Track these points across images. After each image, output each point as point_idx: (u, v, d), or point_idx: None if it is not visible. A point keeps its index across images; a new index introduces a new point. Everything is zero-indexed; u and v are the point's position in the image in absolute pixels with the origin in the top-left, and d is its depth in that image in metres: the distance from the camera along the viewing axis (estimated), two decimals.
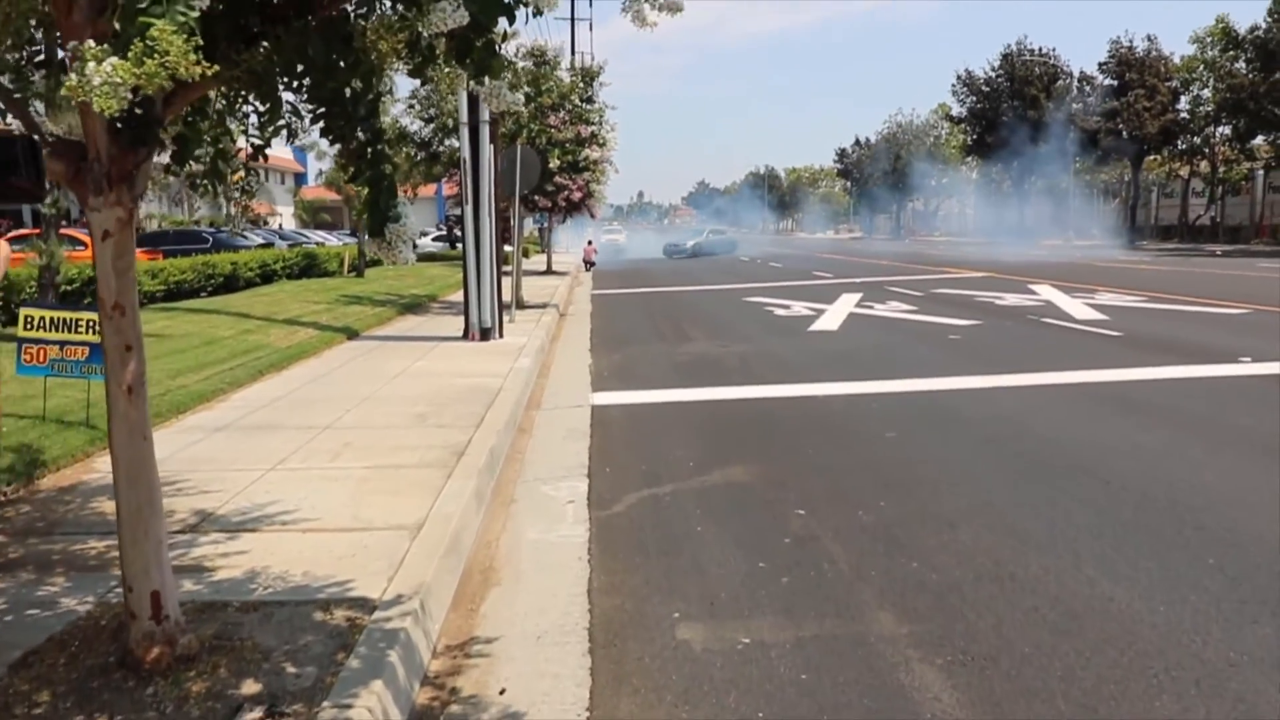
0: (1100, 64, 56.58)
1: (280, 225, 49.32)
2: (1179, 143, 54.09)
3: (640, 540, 5.21)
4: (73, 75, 2.26)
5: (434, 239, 41.85)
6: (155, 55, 2.20)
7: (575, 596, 4.44)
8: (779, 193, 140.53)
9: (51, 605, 3.98)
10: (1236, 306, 16.04)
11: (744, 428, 7.99)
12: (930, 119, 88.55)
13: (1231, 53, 45.51)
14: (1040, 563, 4.64)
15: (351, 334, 13.46)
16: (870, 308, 17.65)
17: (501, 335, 13.13)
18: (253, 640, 3.59)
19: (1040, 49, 64.61)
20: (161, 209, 50.18)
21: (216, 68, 2.44)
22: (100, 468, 6.09)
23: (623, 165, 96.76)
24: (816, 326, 14.95)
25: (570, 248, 52.22)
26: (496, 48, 3.32)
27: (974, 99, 68.22)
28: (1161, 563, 4.59)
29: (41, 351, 6.78)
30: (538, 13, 3.34)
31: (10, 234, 22.27)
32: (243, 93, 3.76)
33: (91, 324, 6.69)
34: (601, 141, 18.46)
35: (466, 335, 13.01)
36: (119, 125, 3.01)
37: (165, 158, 3.91)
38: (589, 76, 18.72)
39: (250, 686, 3.23)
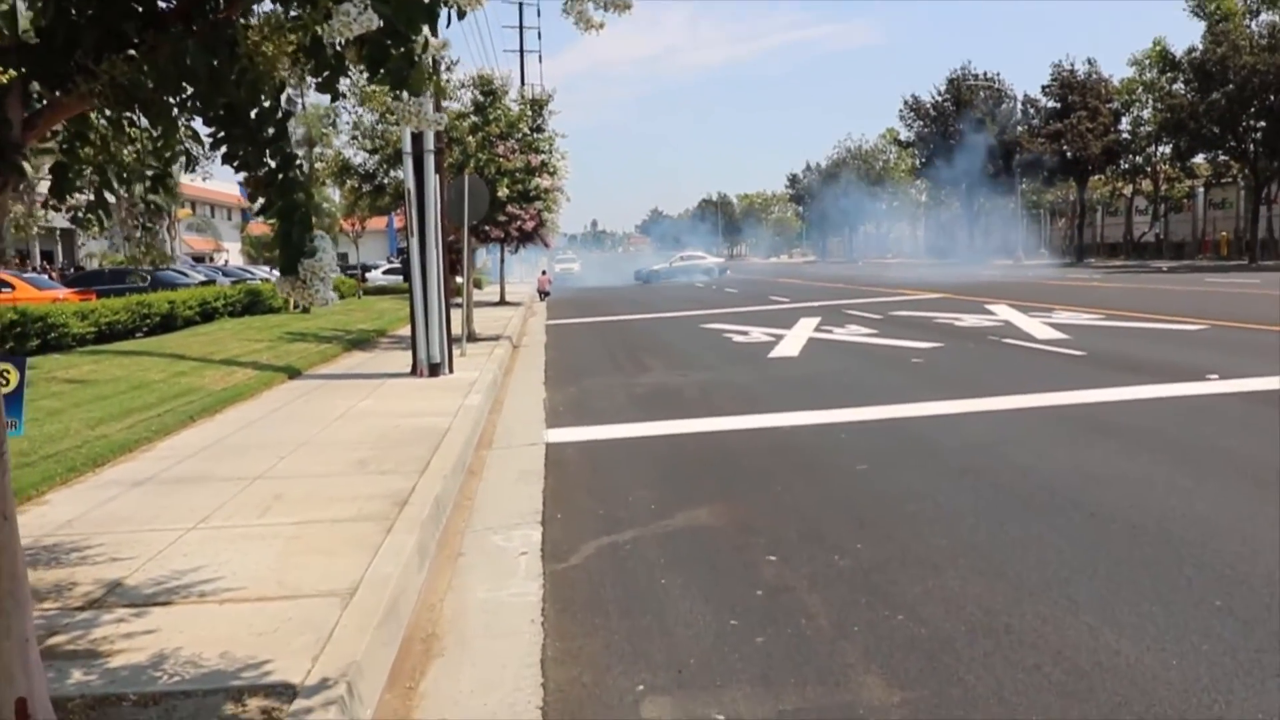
0: (1043, 87, 57.70)
1: (226, 262, 48.26)
2: (1122, 162, 55.15)
3: (599, 597, 4.74)
4: None
5: (384, 272, 41.13)
6: None
7: (527, 667, 3.97)
8: (731, 219, 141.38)
9: None
10: (1192, 322, 16.02)
11: (707, 463, 7.57)
12: (879, 144, 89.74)
13: (1169, 74, 46.53)
14: (1036, 610, 4.25)
15: (293, 373, 12.85)
16: (830, 332, 17.40)
17: (451, 370, 12.61)
18: None
19: (985, 73, 65.80)
20: (100, 247, 48.90)
21: None
22: None
23: (576, 195, 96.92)
24: (777, 353, 14.63)
25: (525, 278, 51.78)
26: (416, 58, 2.88)
27: (921, 123, 69.20)
28: (1165, 606, 4.23)
29: None
30: (461, 15, 2.93)
31: None
32: (128, 114, 3.29)
33: None
34: (552, 170, 18.07)
35: (415, 371, 12.48)
36: None
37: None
38: (537, 105, 18.36)
39: None
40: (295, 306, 24.43)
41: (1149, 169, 55.53)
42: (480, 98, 17.62)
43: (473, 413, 9.50)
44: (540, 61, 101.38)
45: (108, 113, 3.28)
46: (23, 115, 2.84)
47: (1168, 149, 50.23)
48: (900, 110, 72.18)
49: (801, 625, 4.24)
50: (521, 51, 48.82)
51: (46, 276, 30.78)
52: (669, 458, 7.88)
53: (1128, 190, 59.54)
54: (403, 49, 2.82)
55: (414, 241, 12.25)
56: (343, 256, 55.83)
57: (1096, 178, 58.70)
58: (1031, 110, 59.33)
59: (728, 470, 7.29)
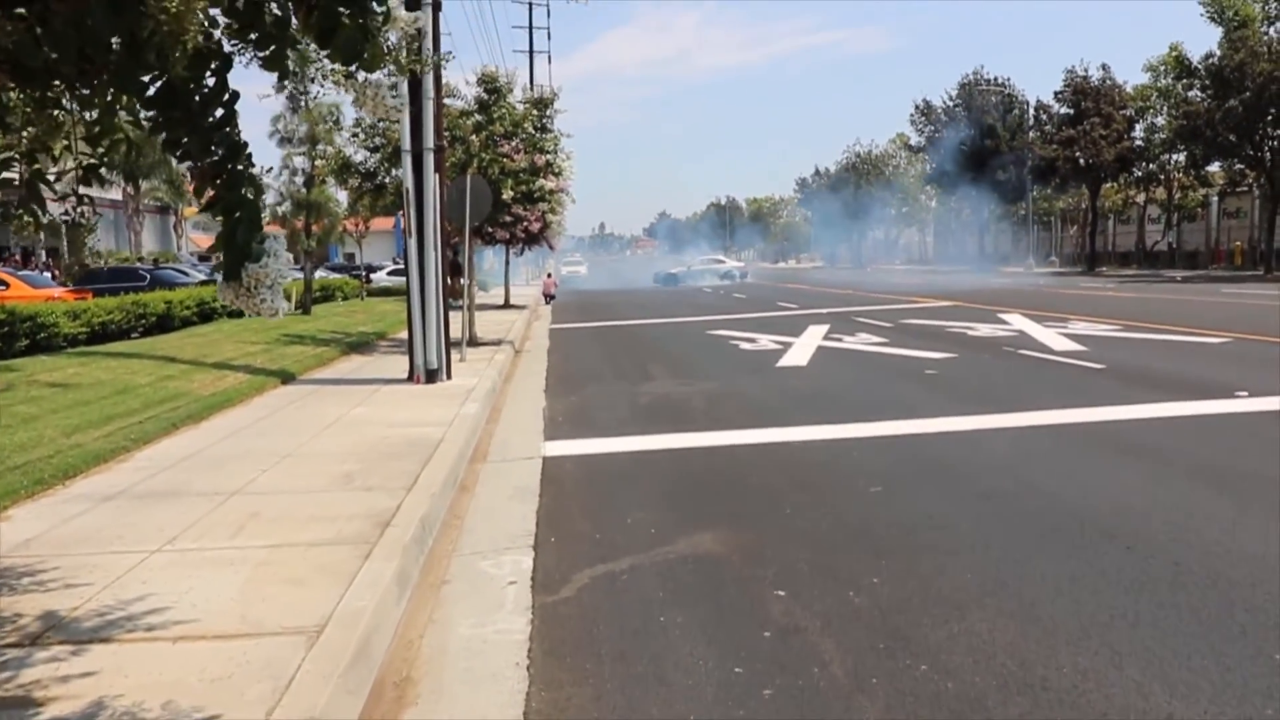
0: (1056, 93, 57.07)
1: None
2: (1135, 169, 54.52)
3: (591, 636, 4.33)
4: None
5: (389, 273, 40.76)
6: None
7: None
8: (740, 223, 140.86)
9: None
10: (1214, 335, 15.54)
11: (712, 482, 7.14)
12: (889, 149, 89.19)
13: (1185, 81, 45.92)
14: (1075, 663, 3.83)
15: (287, 378, 12.46)
16: (839, 340, 16.96)
17: (449, 377, 12.21)
18: None
19: (996, 78, 65.23)
20: (109, 243, 48.68)
21: None
22: None
23: (584, 197, 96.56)
24: (785, 362, 14.20)
25: (531, 280, 51.41)
26: (375, 32, 2.48)
27: (932, 128, 68.68)
28: (1219, 660, 3.80)
29: None
30: None
31: None
32: (48, 92, 2.89)
33: None
34: (557, 171, 17.66)
35: (411, 378, 12.08)
36: None
37: None
38: (543, 104, 17.95)
39: None
40: (308, 304, 24.07)
41: (1163, 177, 54.87)
42: (484, 95, 17.22)
43: (468, 423, 9.10)
44: (550, 63, 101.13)
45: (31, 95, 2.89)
46: None
47: (1182, 156, 49.57)
48: (911, 115, 71.79)
49: (814, 675, 3.82)
50: (531, 52, 48.60)
51: (49, 275, 30.50)
52: (672, 475, 7.46)
53: (1141, 198, 58.88)
54: (360, 21, 2.42)
55: (412, 243, 11.85)
56: (349, 257, 55.54)
57: (1109, 185, 58.06)
58: (1044, 116, 58.69)
59: (734, 490, 6.87)
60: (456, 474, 7.37)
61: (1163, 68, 48.54)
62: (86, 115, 2.96)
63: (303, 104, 21.09)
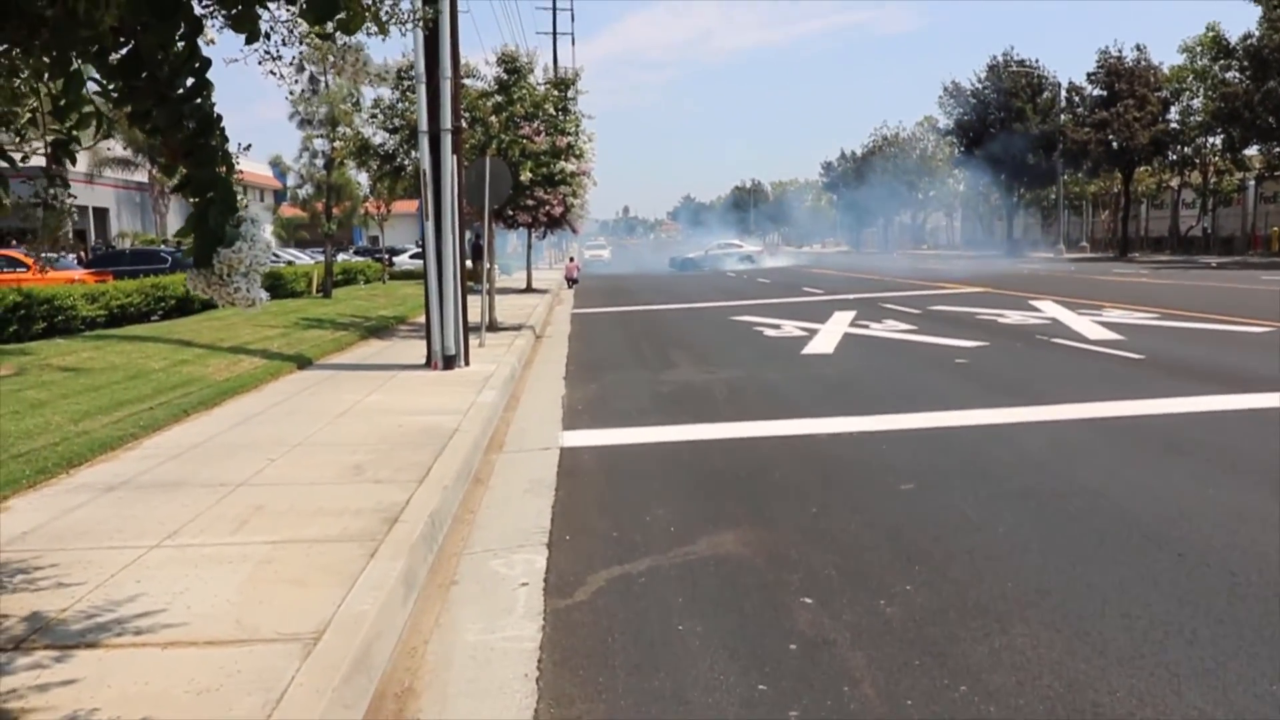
0: (1089, 74, 55.92)
1: None
2: (1170, 153, 53.36)
3: (606, 646, 4.07)
4: None
5: (411, 255, 40.63)
6: None
7: None
8: (763, 206, 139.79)
9: None
10: (1257, 324, 15.03)
11: (735, 477, 6.86)
12: (916, 131, 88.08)
13: (1223, 62, 44.82)
14: (1129, 685, 3.52)
15: (303, 363, 12.28)
16: (865, 327, 16.58)
17: (468, 363, 11.98)
18: None
19: (1026, 60, 64.07)
20: (134, 225, 48.90)
21: None
22: None
23: (607, 181, 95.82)
24: (810, 349, 13.86)
25: (555, 264, 51.21)
26: None
27: (961, 110, 67.62)
28: None
29: None
30: None
31: None
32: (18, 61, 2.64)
33: None
34: (579, 153, 17.34)
35: (429, 364, 11.86)
36: None
37: None
38: (564, 85, 17.61)
39: None
40: (329, 288, 23.92)
41: (1198, 160, 53.67)
42: (504, 76, 16.91)
43: (485, 411, 8.86)
44: (573, 44, 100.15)
45: None
46: None
47: (1219, 140, 48.48)
48: (939, 97, 70.69)
49: (844, 695, 3.54)
50: (555, 34, 48.06)
51: (74, 257, 30.54)
52: (693, 468, 7.18)
53: (1175, 182, 57.68)
54: None
55: (429, 226, 11.60)
56: (372, 240, 55.54)
57: (1143, 169, 56.91)
58: (1076, 98, 57.55)
59: (757, 486, 6.58)
60: (470, 465, 7.13)
61: (1199, 48, 47.45)
62: (51, 87, 2.70)
63: (323, 85, 20.87)
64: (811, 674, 3.72)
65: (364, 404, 9.40)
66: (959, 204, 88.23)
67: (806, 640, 4.03)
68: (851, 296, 24.48)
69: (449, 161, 11.52)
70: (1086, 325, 15.47)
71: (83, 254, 34.12)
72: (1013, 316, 17.56)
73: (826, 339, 14.92)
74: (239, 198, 2.59)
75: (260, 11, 2.20)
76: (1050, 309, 18.60)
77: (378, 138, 16.52)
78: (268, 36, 2.27)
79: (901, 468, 6.84)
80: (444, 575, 5.07)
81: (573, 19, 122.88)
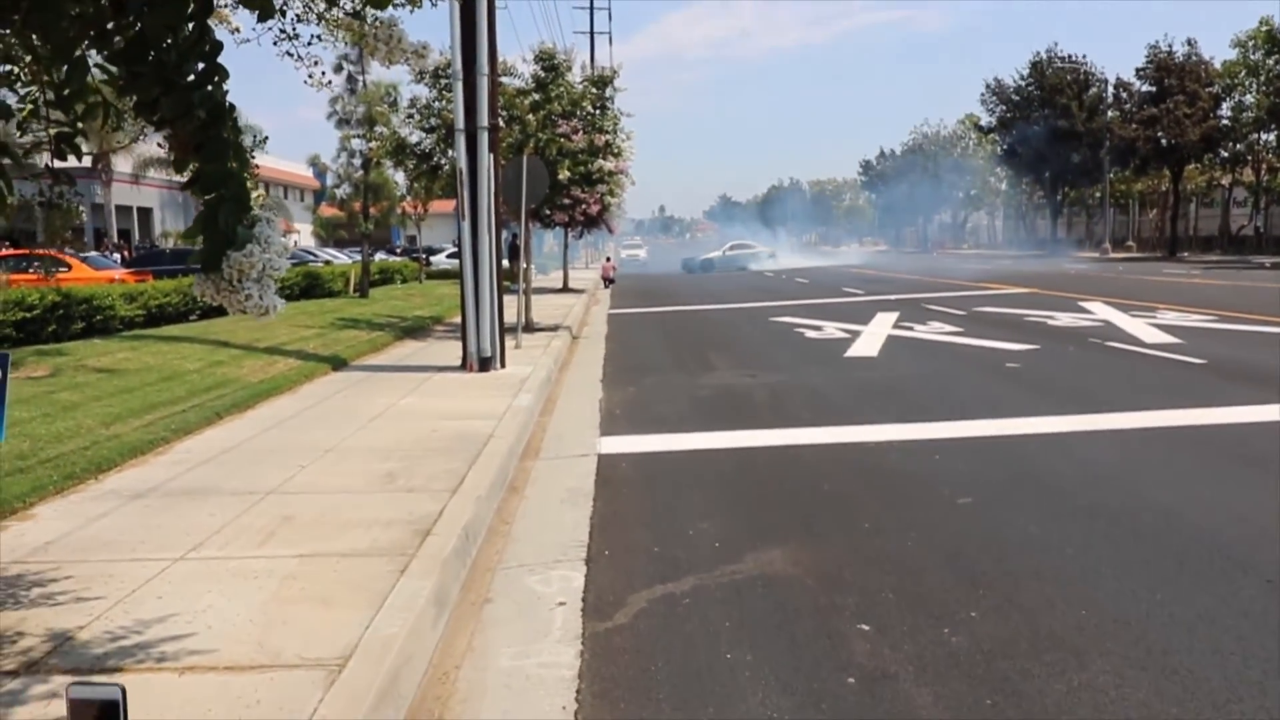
0: (1138, 70, 54.69)
1: (295, 243, 48.39)
2: (1221, 150, 52.03)
3: (648, 676, 3.80)
4: None
5: (448, 255, 40.63)
6: None
7: None
8: (800, 205, 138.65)
9: None
10: None
11: (780, 488, 6.56)
12: (958, 129, 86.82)
13: (1277, 56, 43.59)
14: None
15: (338, 364, 12.15)
16: (910, 329, 16.16)
17: (503, 364, 11.77)
18: None
19: (1070, 56, 62.88)
20: (178, 225, 49.44)
21: None
22: None
23: (645, 180, 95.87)
24: (853, 352, 13.50)
25: (590, 263, 51.07)
26: None
27: (1003, 108, 66.51)
28: None
29: None
30: None
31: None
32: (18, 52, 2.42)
33: None
34: (617, 151, 17.10)
35: (464, 365, 11.67)
36: None
37: None
38: (602, 83, 17.37)
39: None
40: (366, 288, 23.85)
41: (1251, 157, 52.27)
42: (542, 73, 16.71)
43: (521, 415, 8.63)
44: (611, 44, 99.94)
45: None
46: None
47: (1273, 136, 47.19)
48: (981, 94, 69.56)
49: None
50: (592, 33, 47.81)
51: (117, 256, 30.88)
52: (736, 478, 6.90)
53: (1226, 180, 56.25)
54: None
55: (465, 225, 11.41)
56: (410, 240, 55.74)
57: (1192, 166, 55.57)
58: (1124, 94, 56.31)
59: (804, 497, 6.28)
60: (506, 473, 6.90)
61: (1252, 43, 46.17)
62: (54, 75, 2.48)
63: (361, 84, 20.85)
64: (873, 712, 3.43)
65: (398, 407, 9.21)
66: (1001, 203, 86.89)
67: (865, 673, 3.73)
68: (893, 297, 24.01)
69: (485, 160, 11.32)
70: (1141, 328, 14.94)
71: (127, 253, 34.52)
72: (1063, 318, 17.04)
73: (870, 341, 14.54)
74: (253, 195, 2.36)
75: None
76: (1101, 310, 18.05)
77: (414, 137, 16.40)
78: (283, 13, 2.04)
79: (956, 480, 6.50)
80: (477, 592, 4.83)
81: (610, 18, 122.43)
